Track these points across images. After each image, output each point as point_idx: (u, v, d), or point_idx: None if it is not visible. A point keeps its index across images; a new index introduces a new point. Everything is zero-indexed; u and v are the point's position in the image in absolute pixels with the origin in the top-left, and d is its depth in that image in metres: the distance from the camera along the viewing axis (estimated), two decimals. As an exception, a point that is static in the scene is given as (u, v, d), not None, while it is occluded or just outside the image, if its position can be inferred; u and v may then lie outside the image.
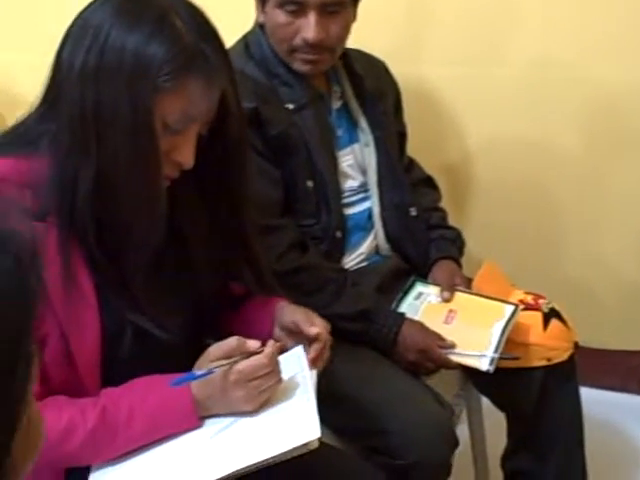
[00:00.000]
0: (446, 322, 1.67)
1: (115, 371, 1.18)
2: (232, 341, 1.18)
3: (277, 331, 1.31)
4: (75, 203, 1.12)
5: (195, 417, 1.17)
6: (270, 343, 1.18)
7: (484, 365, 1.57)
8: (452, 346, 1.60)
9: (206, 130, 1.17)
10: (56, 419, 1.13)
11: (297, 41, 1.58)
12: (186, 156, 1.14)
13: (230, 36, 1.67)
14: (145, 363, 1.18)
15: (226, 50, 1.15)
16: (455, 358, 1.60)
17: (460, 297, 1.73)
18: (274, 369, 1.17)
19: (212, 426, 1.19)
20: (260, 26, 1.67)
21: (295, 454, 1.11)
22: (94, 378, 1.18)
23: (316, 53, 1.60)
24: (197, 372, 1.16)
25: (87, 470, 1.17)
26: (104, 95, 1.08)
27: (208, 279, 1.27)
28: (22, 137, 1.16)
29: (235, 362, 1.16)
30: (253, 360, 1.15)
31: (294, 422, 1.15)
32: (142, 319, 1.18)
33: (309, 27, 1.56)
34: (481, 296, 1.72)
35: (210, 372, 1.15)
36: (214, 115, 1.15)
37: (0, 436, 0.52)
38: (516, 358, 1.62)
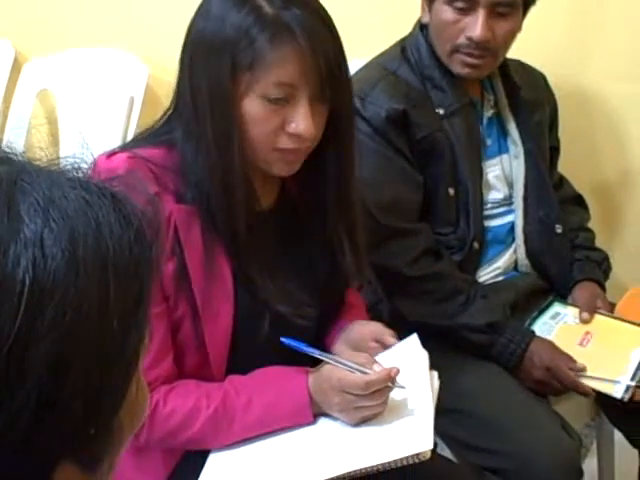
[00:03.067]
0: (581, 344, 1.60)
1: (245, 357, 1.22)
2: (362, 356, 1.21)
3: (340, 347, 1.29)
4: (203, 187, 1.17)
5: (309, 412, 1.18)
6: (381, 370, 1.16)
7: (618, 392, 1.49)
8: (583, 369, 1.53)
9: (321, 100, 1.17)
10: (182, 403, 1.17)
11: (461, 40, 1.56)
12: (301, 125, 1.15)
13: (388, 42, 1.71)
14: (276, 349, 1.21)
15: (324, 18, 1.16)
16: (586, 382, 1.52)
17: (599, 320, 1.65)
18: (373, 396, 1.15)
19: (327, 424, 1.19)
20: (421, 29, 1.66)
21: (406, 463, 1.10)
22: (221, 363, 1.22)
23: (478, 56, 1.57)
24: (308, 347, 1.18)
25: (202, 457, 1.20)
26: (194, 78, 1.16)
27: (325, 261, 1.28)
28: (161, 131, 1.23)
29: (350, 368, 1.16)
30: (355, 376, 1.16)
31: (408, 430, 1.14)
32: (280, 306, 1.21)
33: (476, 25, 1.53)
34: (622, 320, 1.64)
35: (320, 353, 1.17)
36: (321, 83, 1.14)
37: (112, 396, 0.55)
38: None
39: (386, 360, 1.22)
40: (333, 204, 1.26)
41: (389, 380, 1.15)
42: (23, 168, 0.55)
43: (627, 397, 1.48)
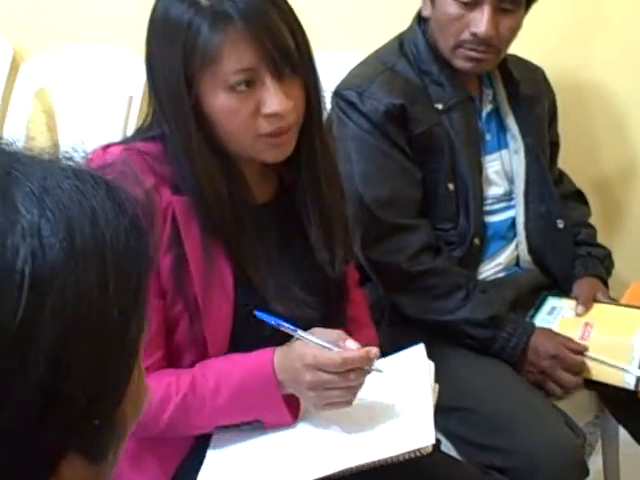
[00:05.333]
0: (582, 338, 1.58)
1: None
2: (335, 332, 1.15)
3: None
4: (191, 180, 1.15)
5: (275, 387, 1.14)
6: (359, 348, 1.11)
7: (630, 384, 1.48)
8: (585, 349, 1.53)
9: (287, 76, 1.15)
10: (156, 389, 1.14)
11: (465, 35, 1.55)
12: (274, 103, 1.13)
13: (386, 36, 1.70)
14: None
15: None
16: (595, 365, 1.52)
17: (597, 308, 1.64)
18: (348, 375, 1.10)
19: (327, 421, 1.18)
20: (419, 23, 1.65)
21: (407, 457, 1.09)
22: None
23: (482, 51, 1.56)
24: (284, 322, 1.13)
25: (199, 460, 1.17)
26: (155, 74, 1.17)
27: (323, 256, 1.25)
28: (149, 126, 1.22)
29: (324, 347, 1.11)
30: (331, 352, 1.10)
31: (409, 426, 1.13)
32: (280, 306, 1.18)
33: (482, 21, 1.52)
34: (620, 305, 1.64)
35: (294, 329, 1.12)
36: (277, 61, 1.13)
37: (115, 387, 0.55)
38: None
39: (388, 366, 1.16)
40: (310, 186, 1.24)
41: (367, 360, 1.10)
42: (16, 158, 0.55)
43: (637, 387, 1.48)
